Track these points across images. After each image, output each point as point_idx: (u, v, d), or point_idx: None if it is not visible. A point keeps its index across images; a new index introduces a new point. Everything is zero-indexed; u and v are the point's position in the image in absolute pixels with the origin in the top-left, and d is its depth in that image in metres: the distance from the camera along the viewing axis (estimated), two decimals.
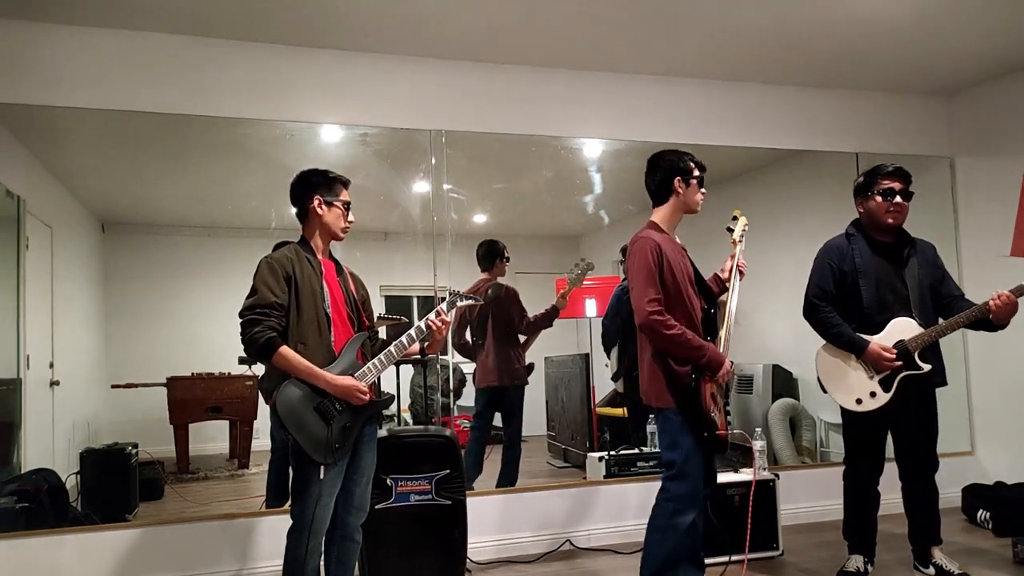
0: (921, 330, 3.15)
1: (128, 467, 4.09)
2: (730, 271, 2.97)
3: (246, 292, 2.62)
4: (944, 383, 3.28)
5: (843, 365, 3.24)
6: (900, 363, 3.13)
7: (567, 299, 4.60)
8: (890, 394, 3.15)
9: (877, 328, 3.20)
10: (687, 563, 2.79)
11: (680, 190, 2.84)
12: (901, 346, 3.16)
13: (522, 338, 4.63)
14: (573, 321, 5.42)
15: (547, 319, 4.60)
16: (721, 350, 2.79)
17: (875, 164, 3.36)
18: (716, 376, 2.72)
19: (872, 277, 3.24)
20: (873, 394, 3.18)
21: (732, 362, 2.80)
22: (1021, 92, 4.67)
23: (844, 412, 3.33)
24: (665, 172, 2.85)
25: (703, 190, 2.91)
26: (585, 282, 4.95)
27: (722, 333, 2.84)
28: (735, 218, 3.06)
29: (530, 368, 4.67)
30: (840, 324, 3.23)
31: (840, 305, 3.27)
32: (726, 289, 2.93)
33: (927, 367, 3.14)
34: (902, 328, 3.18)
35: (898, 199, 3.23)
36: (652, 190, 2.91)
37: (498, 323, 4.48)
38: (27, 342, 3.90)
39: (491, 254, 4.55)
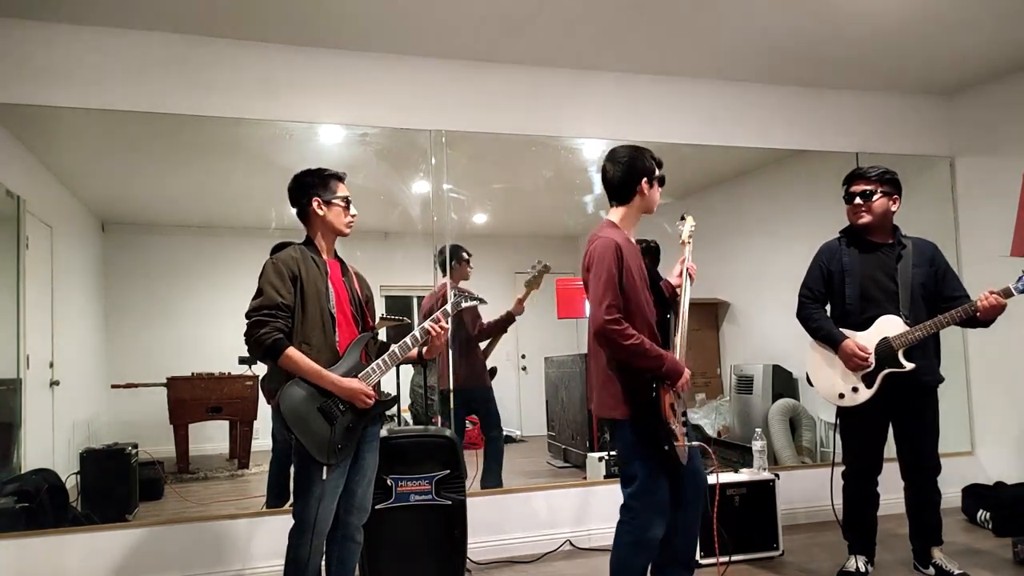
0: (906, 328, 3.17)
1: (128, 467, 4.09)
2: (680, 276, 2.84)
3: (246, 292, 2.61)
4: (935, 381, 3.29)
5: (829, 360, 3.30)
6: (869, 365, 3.17)
7: (523, 305, 4.56)
8: (872, 391, 3.19)
9: (862, 326, 3.24)
10: (672, 567, 2.71)
11: (645, 191, 2.71)
12: (885, 343, 3.18)
13: (484, 344, 4.61)
14: (573, 321, 5.41)
15: (501, 325, 4.55)
16: (677, 357, 2.65)
17: (870, 165, 3.40)
18: (675, 386, 2.59)
19: (857, 276, 3.30)
20: (855, 389, 3.23)
21: (690, 372, 2.65)
22: (1021, 92, 4.67)
23: (839, 412, 3.35)
24: (630, 172, 2.68)
25: (660, 189, 2.79)
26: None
27: (677, 339, 2.72)
28: (683, 218, 2.96)
29: (492, 372, 4.64)
30: (820, 319, 3.33)
31: (831, 304, 3.38)
32: (677, 295, 2.81)
33: (910, 366, 3.15)
34: (887, 326, 3.20)
35: (857, 200, 3.31)
36: (613, 187, 2.72)
37: (454, 328, 4.41)
38: (27, 342, 3.90)
39: (450, 259, 4.35)
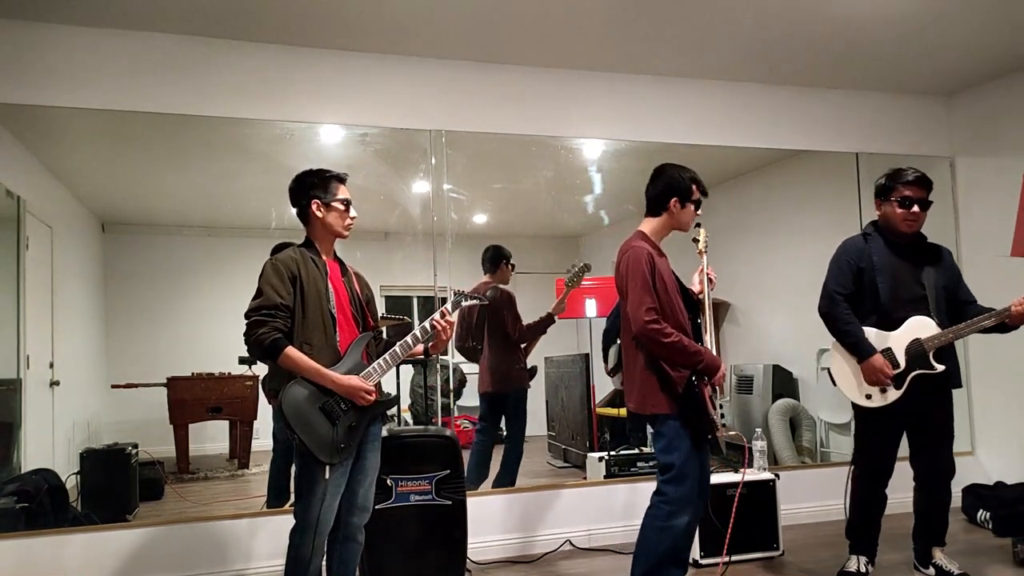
0: (938, 330, 3.14)
1: (128, 467, 4.09)
2: (702, 283, 2.96)
3: (246, 292, 2.61)
4: (959, 385, 3.26)
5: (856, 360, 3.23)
6: (890, 382, 3.14)
7: (565, 304, 4.59)
8: (901, 391, 3.14)
9: (895, 325, 3.19)
10: (674, 564, 2.79)
11: (675, 210, 2.85)
12: (916, 344, 3.14)
13: (523, 344, 4.62)
14: (573, 321, 5.42)
15: (541, 327, 4.56)
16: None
17: (897, 167, 3.32)
18: (713, 379, 2.76)
19: (888, 274, 3.23)
20: (884, 390, 3.17)
21: (726, 367, 2.83)
22: (1021, 92, 4.67)
23: (857, 411, 3.30)
24: (665, 188, 2.85)
25: (699, 213, 2.91)
26: (584, 282, 4.94)
27: (707, 339, 2.86)
28: (698, 225, 3.03)
29: (532, 371, 4.64)
30: (853, 323, 3.22)
31: (856, 302, 3.27)
32: (699, 302, 2.93)
33: (940, 368, 3.12)
34: (920, 326, 3.16)
35: (915, 208, 3.22)
36: (649, 198, 2.91)
37: (494, 327, 4.47)
38: (27, 342, 3.90)
39: (496, 258, 4.51)
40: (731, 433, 2.86)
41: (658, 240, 2.89)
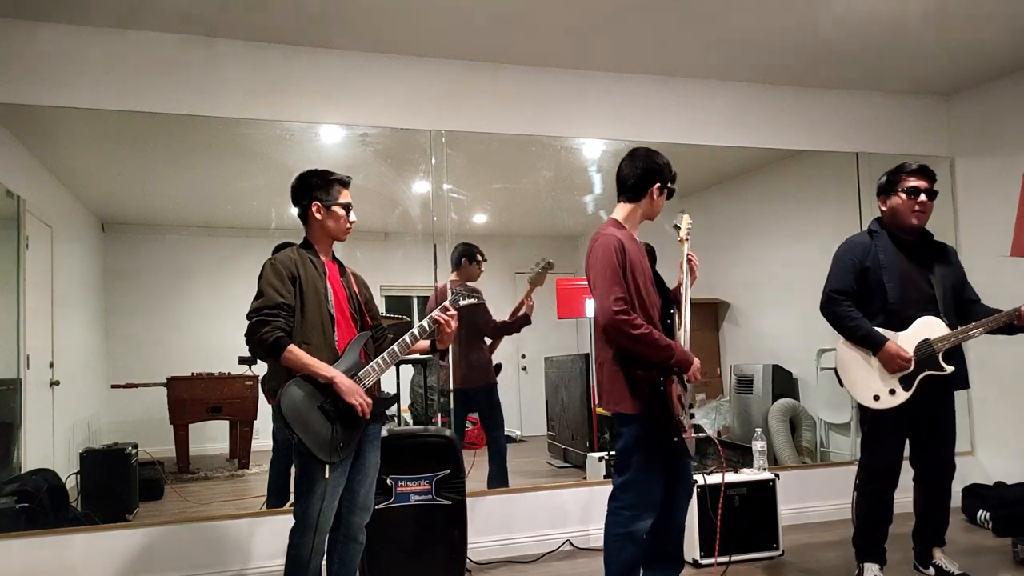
0: (948, 330, 3.11)
1: (128, 467, 4.09)
2: (681, 273, 2.85)
3: (246, 292, 2.62)
4: (966, 386, 3.23)
5: (864, 359, 3.16)
6: (911, 367, 3.08)
7: (531, 298, 4.55)
8: (909, 393, 3.09)
9: (903, 324, 3.13)
10: (660, 562, 2.75)
11: (654, 195, 2.77)
12: (926, 344, 3.10)
13: (488, 340, 4.59)
14: (573, 321, 5.42)
15: (516, 326, 4.53)
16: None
17: (899, 163, 3.28)
18: (686, 375, 2.64)
19: (896, 273, 3.17)
20: (892, 391, 3.11)
21: (699, 361, 2.70)
22: (1021, 92, 4.67)
23: (864, 414, 3.24)
24: (648, 173, 2.75)
25: (666, 201, 2.84)
26: (583, 282, 4.93)
27: (680, 334, 2.74)
28: (681, 213, 2.95)
29: (497, 368, 4.62)
30: (859, 318, 3.15)
31: (862, 302, 3.20)
32: (679, 292, 2.83)
33: (950, 369, 3.09)
34: (929, 327, 3.12)
35: (923, 197, 3.17)
36: (627, 184, 2.78)
37: (461, 326, 4.41)
38: (27, 342, 3.90)
39: (460, 257, 4.41)
40: (702, 435, 2.72)
41: (632, 228, 2.78)
